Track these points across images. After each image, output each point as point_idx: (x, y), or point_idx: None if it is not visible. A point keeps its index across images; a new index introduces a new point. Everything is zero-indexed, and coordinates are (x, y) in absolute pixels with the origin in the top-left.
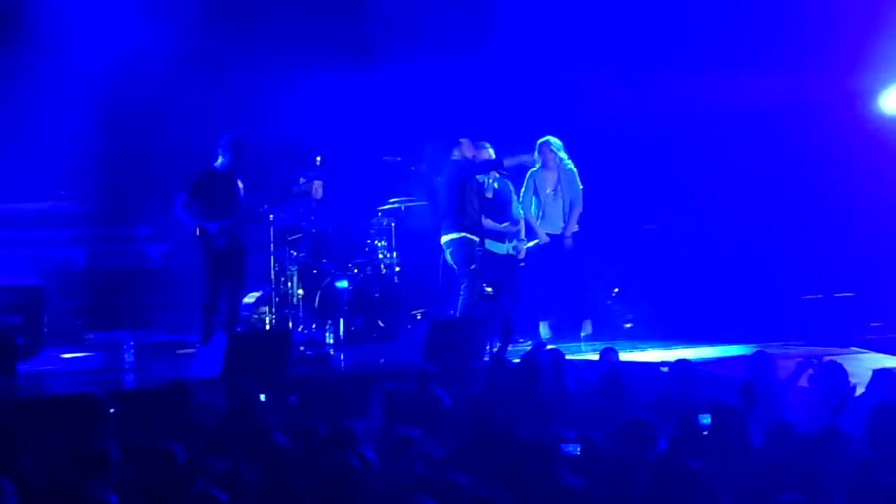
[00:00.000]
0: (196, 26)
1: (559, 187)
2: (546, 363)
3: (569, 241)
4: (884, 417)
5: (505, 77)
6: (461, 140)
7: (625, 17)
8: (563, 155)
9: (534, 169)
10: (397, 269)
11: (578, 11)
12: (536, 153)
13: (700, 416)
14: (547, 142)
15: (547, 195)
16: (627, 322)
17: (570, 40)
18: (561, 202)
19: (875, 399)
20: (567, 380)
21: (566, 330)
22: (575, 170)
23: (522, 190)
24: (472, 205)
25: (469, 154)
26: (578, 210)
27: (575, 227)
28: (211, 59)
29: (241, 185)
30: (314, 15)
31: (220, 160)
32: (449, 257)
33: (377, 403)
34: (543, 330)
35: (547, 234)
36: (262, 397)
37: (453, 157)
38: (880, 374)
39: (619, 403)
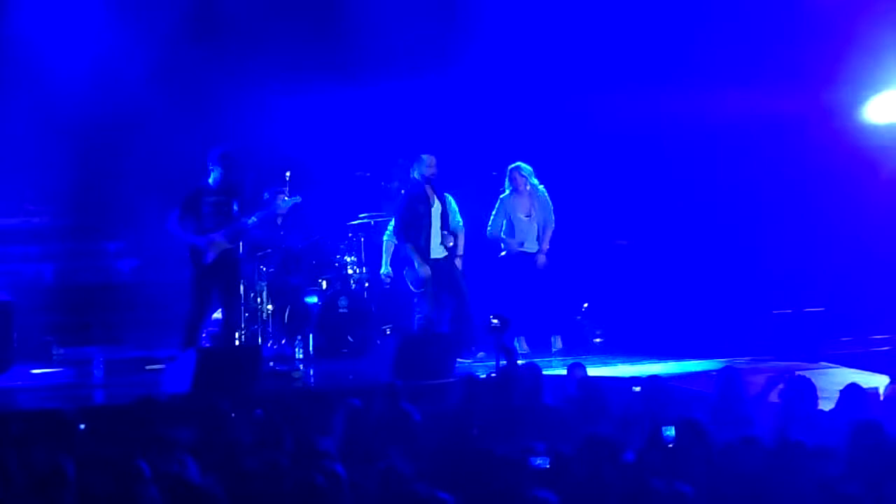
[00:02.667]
0: (168, 42)
1: (532, 211)
2: (523, 377)
3: (542, 259)
4: (861, 434)
5: (477, 95)
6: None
7: (598, 35)
8: (534, 180)
9: (504, 194)
10: (367, 284)
11: (548, 31)
12: (507, 179)
13: (664, 428)
14: (518, 167)
15: (520, 219)
16: (597, 337)
17: (541, 58)
18: (535, 225)
19: (844, 415)
20: (543, 394)
21: (537, 345)
22: (546, 193)
23: (493, 213)
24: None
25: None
26: (551, 229)
27: (547, 246)
28: (182, 74)
29: (234, 199)
30: (287, 32)
31: (212, 175)
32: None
33: (344, 418)
34: (518, 345)
35: (521, 251)
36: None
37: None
38: (849, 390)
39: (590, 417)
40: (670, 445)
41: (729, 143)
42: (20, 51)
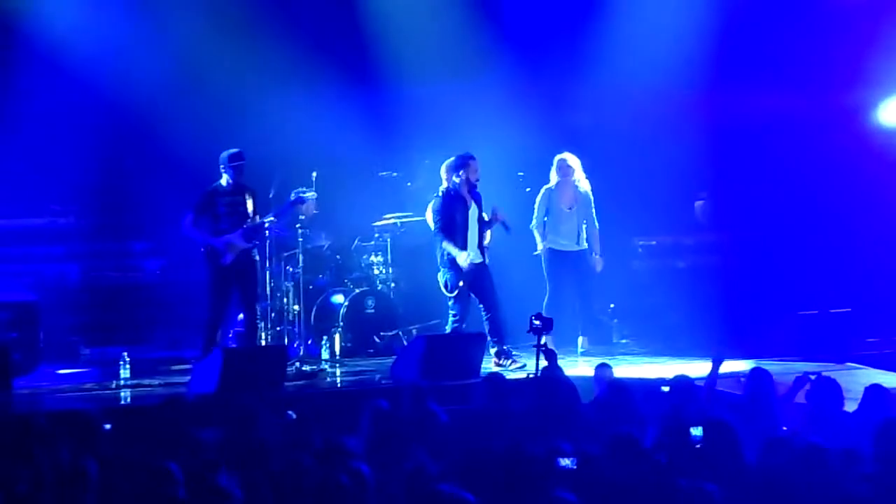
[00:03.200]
0: (193, 41)
1: (574, 206)
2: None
3: (600, 263)
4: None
5: (503, 95)
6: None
7: (621, 36)
8: (580, 173)
9: (549, 185)
10: (393, 284)
11: (570, 31)
12: (555, 169)
13: (692, 428)
14: (564, 158)
15: (563, 211)
16: (623, 337)
17: (567, 58)
18: (576, 218)
19: (869, 415)
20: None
21: (562, 345)
22: (589, 191)
23: (536, 203)
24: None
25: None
26: (597, 229)
27: (585, 245)
28: (208, 74)
29: (248, 199)
30: (312, 31)
31: (224, 177)
32: None
33: (371, 419)
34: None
35: (558, 249)
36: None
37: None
38: (872, 391)
39: (617, 418)
40: (698, 446)
41: (756, 144)
42: (46, 52)
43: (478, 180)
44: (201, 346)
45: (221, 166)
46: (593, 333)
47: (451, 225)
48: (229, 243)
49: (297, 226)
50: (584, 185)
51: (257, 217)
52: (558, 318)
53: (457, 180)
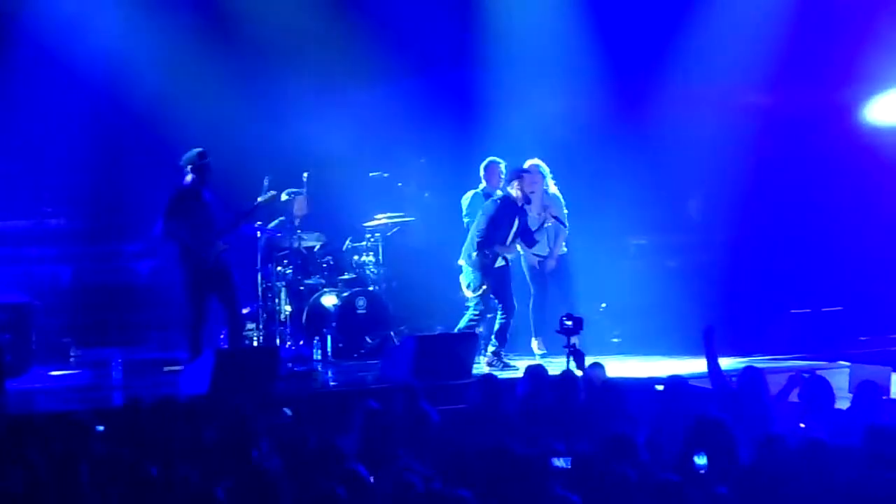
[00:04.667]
0: (186, 45)
1: (543, 212)
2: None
3: (552, 263)
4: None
5: (494, 95)
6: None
7: (613, 33)
8: (549, 180)
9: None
10: (384, 285)
11: (568, 31)
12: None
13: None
14: (536, 165)
15: (532, 219)
16: (615, 337)
17: (560, 58)
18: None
19: (860, 413)
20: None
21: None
22: (559, 195)
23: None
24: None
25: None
26: (564, 233)
27: (563, 250)
28: (199, 77)
29: (217, 198)
30: (302, 32)
31: (190, 176)
32: None
33: (363, 419)
34: (536, 346)
35: (535, 256)
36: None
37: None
38: (864, 386)
39: (610, 417)
40: (702, 472)
41: (751, 141)
42: (38, 53)
43: (532, 192)
44: (188, 351)
45: (187, 165)
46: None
47: (497, 232)
48: (208, 244)
49: (285, 224)
50: (552, 188)
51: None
52: (544, 319)
53: (513, 192)
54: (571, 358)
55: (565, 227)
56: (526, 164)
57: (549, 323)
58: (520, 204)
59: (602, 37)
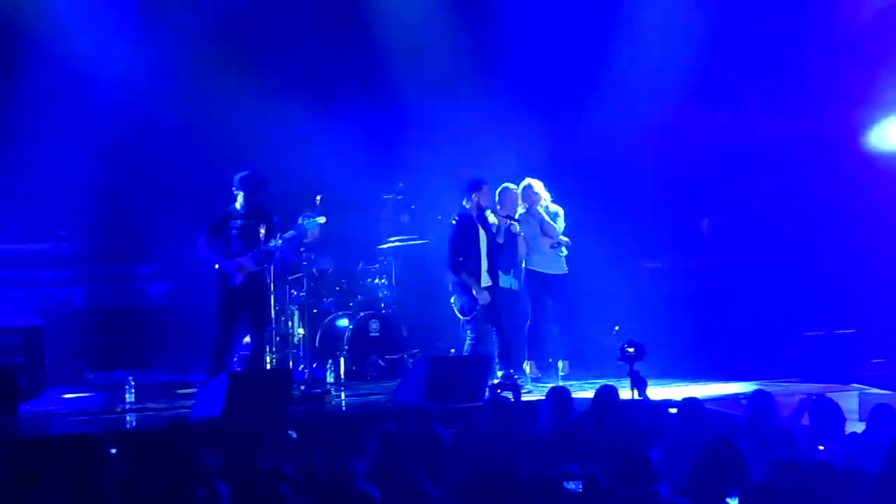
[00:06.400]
0: (199, 67)
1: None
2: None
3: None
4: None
5: (507, 118)
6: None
7: (628, 58)
8: (547, 197)
9: (521, 212)
10: (397, 307)
11: (576, 58)
12: (520, 198)
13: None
14: (530, 185)
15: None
16: None
17: (570, 81)
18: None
19: (874, 435)
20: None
21: (545, 369)
22: (559, 210)
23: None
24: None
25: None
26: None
27: (565, 269)
28: (212, 99)
29: (261, 222)
30: (315, 55)
31: (237, 199)
32: None
33: (377, 442)
34: (528, 369)
35: (537, 271)
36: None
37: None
38: (880, 409)
39: (623, 440)
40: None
41: (762, 164)
42: (51, 78)
43: (489, 205)
44: (207, 370)
45: (234, 188)
46: (573, 357)
47: (465, 249)
48: (239, 266)
49: (302, 249)
50: (552, 207)
51: (271, 241)
52: (539, 341)
53: (467, 205)
54: (633, 385)
55: (554, 240)
56: (521, 184)
57: (543, 346)
58: (474, 214)
59: (617, 58)
